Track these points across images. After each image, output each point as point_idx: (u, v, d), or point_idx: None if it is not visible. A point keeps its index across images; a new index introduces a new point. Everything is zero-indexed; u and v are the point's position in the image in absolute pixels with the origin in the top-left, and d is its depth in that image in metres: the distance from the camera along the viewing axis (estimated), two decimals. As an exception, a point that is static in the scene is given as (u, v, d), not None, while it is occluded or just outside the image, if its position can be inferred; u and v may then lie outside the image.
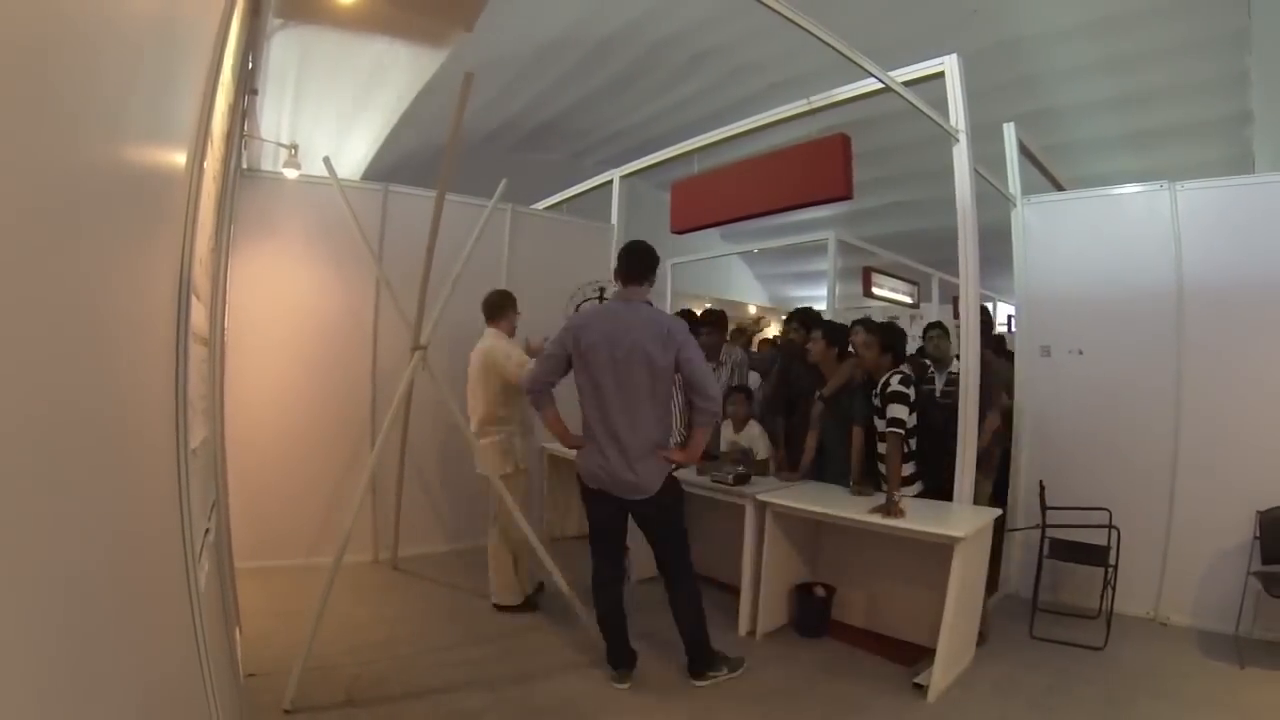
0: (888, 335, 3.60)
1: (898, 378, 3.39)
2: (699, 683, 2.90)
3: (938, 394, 4.02)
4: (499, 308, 3.80)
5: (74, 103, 0.64)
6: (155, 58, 0.95)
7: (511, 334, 3.82)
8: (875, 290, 9.31)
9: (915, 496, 3.42)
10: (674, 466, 2.85)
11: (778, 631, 3.48)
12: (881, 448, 3.46)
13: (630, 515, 2.87)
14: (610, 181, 5.83)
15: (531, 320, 5.11)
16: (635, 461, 2.73)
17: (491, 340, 3.70)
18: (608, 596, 2.90)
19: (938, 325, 4.41)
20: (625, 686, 2.86)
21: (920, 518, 3.05)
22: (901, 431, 3.32)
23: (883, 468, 3.45)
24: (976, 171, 3.65)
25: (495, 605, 3.68)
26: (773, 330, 9.46)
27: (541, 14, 5.62)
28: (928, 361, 4.24)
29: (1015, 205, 4.34)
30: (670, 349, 2.71)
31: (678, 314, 5.26)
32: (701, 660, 2.91)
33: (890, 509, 3.04)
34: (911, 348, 4.71)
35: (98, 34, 0.69)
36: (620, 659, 2.91)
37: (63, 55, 0.60)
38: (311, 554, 4.01)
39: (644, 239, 3.02)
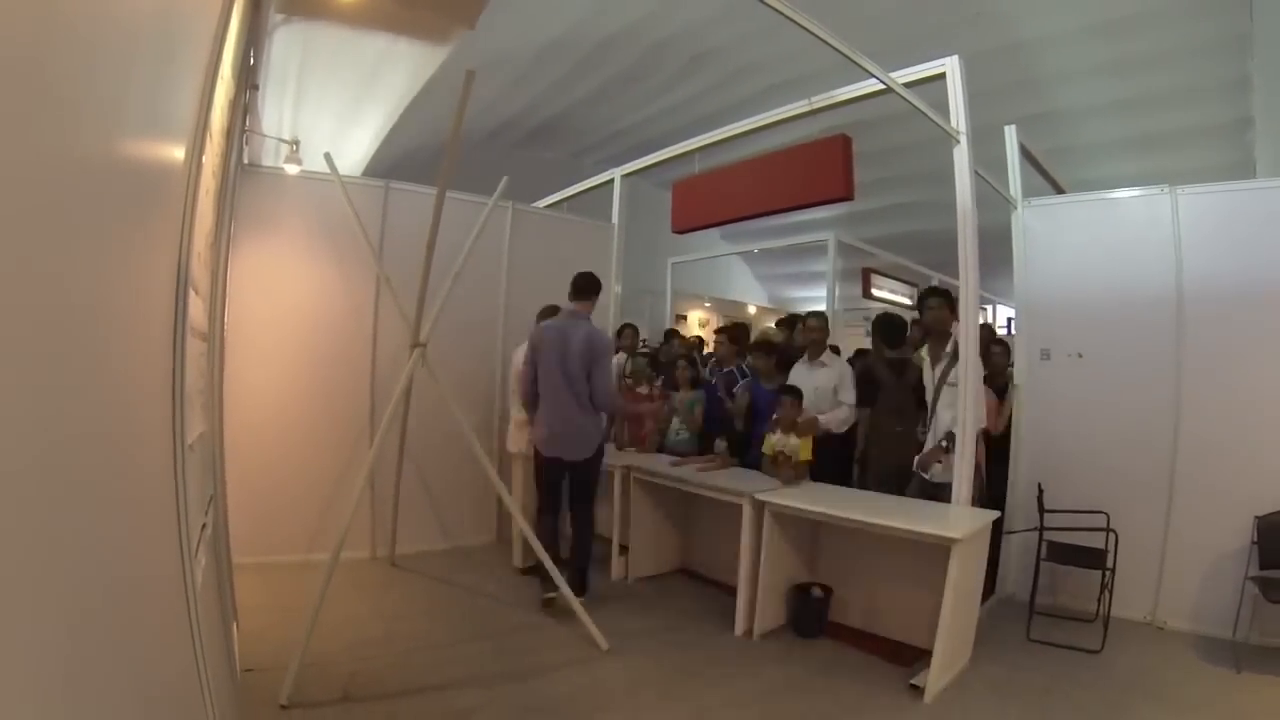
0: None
1: None
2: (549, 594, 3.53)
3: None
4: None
5: (70, 96, 0.64)
6: (153, 52, 0.95)
7: None
8: (875, 292, 9.32)
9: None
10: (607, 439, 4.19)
11: (775, 632, 3.48)
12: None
13: (568, 471, 3.78)
14: (611, 180, 5.83)
15: (527, 319, 5.13)
16: (576, 434, 3.70)
17: None
18: (548, 531, 3.72)
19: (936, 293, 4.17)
20: (553, 595, 3.50)
21: (918, 519, 3.05)
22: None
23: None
24: (977, 174, 3.65)
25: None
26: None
27: (544, 12, 5.61)
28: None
29: (1016, 208, 4.34)
30: (588, 360, 3.65)
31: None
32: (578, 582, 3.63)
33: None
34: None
35: (95, 28, 0.69)
36: (550, 581, 3.45)
37: (60, 49, 0.59)
38: (310, 550, 4.01)
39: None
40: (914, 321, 4.76)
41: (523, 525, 3.54)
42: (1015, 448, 4.16)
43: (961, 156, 3.55)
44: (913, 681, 2.90)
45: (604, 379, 3.70)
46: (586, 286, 3.85)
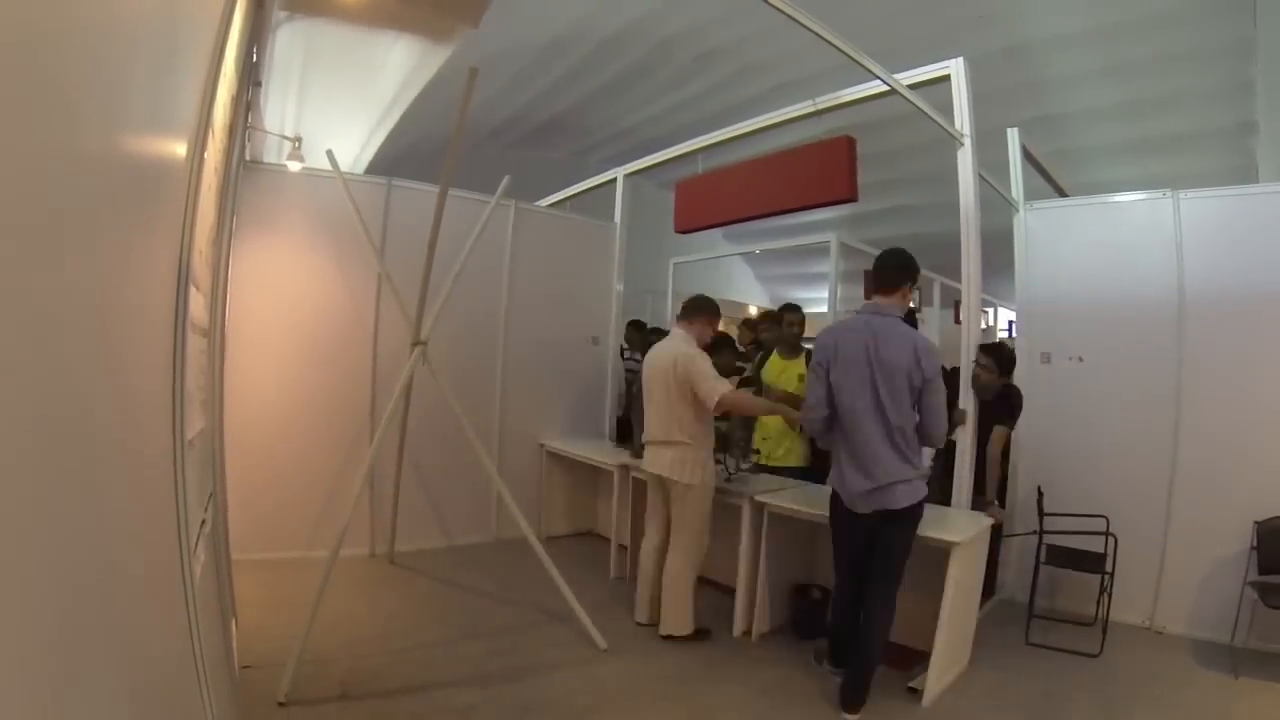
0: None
1: None
2: (851, 716, 2.66)
3: None
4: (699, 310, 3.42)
5: (73, 93, 0.64)
6: (156, 48, 0.95)
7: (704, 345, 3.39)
8: (876, 293, 9.29)
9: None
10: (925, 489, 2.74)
11: (774, 632, 3.48)
12: None
13: (866, 530, 2.73)
14: (614, 180, 5.82)
15: (528, 317, 5.14)
16: (889, 479, 2.62)
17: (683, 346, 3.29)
18: (845, 612, 2.83)
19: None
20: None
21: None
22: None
23: None
24: (980, 176, 3.65)
25: (665, 636, 3.32)
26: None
27: (547, 10, 5.61)
28: None
29: (1018, 211, 4.33)
30: (918, 376, 2.59)
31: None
32: (862, 692, 2.69)
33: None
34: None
35: (96, 24, 0.69)
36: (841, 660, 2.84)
37: (62, 45, 0.59)
38: (309, 547, 4.01)
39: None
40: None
41: (531, 538, 3.33)
42: (1015, 453, 4.15)
43: (965, 159, 3.55)
44: (911, 684, 2.89)
45: (941, 408, 2.70)
46: (896, 272, 2.75)
